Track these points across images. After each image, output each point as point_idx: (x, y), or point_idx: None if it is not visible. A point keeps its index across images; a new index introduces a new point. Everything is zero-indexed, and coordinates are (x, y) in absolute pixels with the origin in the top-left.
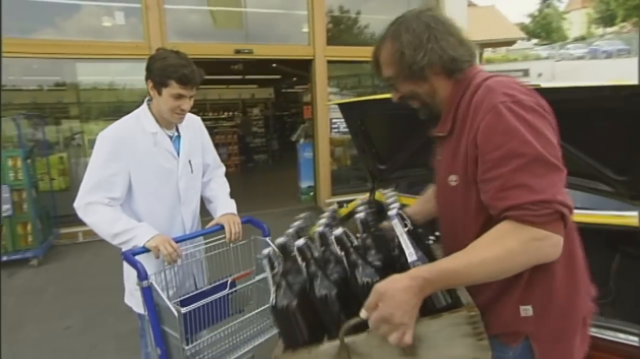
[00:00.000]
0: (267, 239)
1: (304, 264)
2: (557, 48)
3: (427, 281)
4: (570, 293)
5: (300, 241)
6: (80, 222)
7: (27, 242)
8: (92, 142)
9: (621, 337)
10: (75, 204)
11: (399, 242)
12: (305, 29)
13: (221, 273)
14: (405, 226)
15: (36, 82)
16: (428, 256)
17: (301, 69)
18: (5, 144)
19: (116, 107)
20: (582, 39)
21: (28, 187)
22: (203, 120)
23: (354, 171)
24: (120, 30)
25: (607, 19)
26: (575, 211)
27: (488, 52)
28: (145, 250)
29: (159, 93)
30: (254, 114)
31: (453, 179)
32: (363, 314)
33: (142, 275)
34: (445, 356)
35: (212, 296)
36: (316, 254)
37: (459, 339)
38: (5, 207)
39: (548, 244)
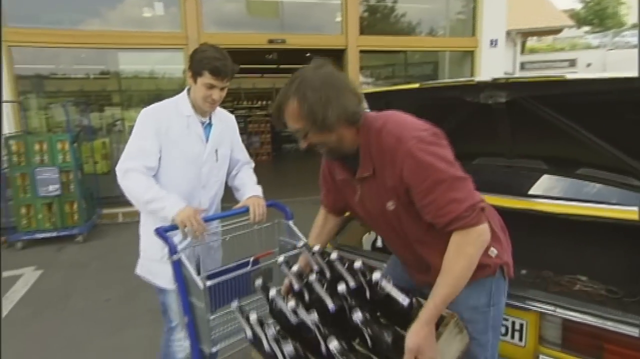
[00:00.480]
0: (290, 222)
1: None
2: (610, 36)
3: (434, 318)
4: (501, 233)
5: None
6: (121, 204)
7: (74, 220)
8: (131, 129)
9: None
10: (117, 168)
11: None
12: (339, 19)
13: (245, 252)
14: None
15: (83, 71)
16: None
17: (334, 58)
18: (55, 129)
19: (155, 95)
20: None
21: (75, 169)
22: (237, 109)
23: None
24: (159, 20)
25: None
26: (608, 206)
27: (532, 41)
28: (174, 227)
29: (195, 81)
30: None
31: (391, 205)
32: None
33: (172, 249)
34: (447, 354)
35: (236, 272)
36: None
37: (453, 339)
38: (54, 187)
39: (485, 233)
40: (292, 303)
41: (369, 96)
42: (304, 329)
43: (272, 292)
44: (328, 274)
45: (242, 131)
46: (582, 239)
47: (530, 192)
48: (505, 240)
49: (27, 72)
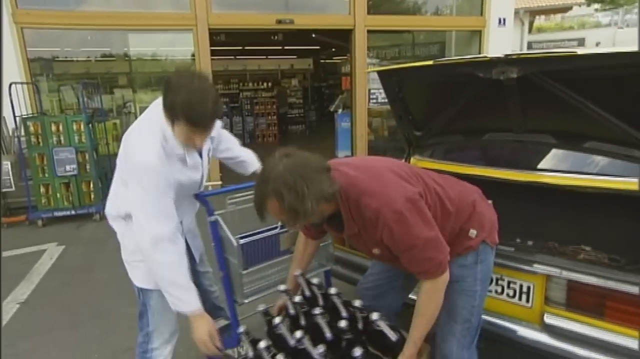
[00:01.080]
0: None
1: None
2: (621, 13)
3: (415, 351)
4: (482, 209)
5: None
6: None
7: (90, 199)
8: (142, 110)
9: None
10: (142, 233)
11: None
12: None
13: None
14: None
15: (92, 53)
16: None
17: (340, 39)
18: (67, 111)
19: (164, 75)
20: None
21: (90, 149)
22: (243, 90)
23: (391, 142)
24: (167, 1)
25: None
26: (612, 178)
27: (540, 20)
28: (213, 193)
29: (172, 124)
30: (292, 84)
31: (377, 250)
32: None
33: (210, 211)
34: None
35: (266, 233)
36: None
37: None
38: (71, 166)
39: (446, 277)
40: (299, 333)
41: (382, 74)
42: (303, 356)
43: (277, 320)
44: (320, 302)
45: (249, 113)
46: (586, 210)
47: (538, 166)
48: (488, 212)
49: (37, 54)
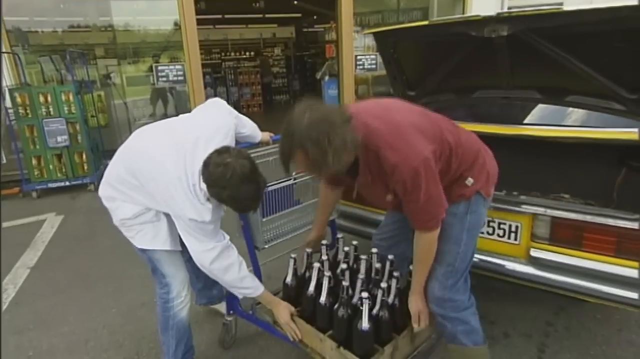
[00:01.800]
0: None
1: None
2: None
3: (421, 288)
4: (481, 160)
5: None
6: None
7: (84, 170)
8: (128, 80)
9: (612, 221)
10: (204, 250)
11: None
12: None
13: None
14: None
15: (70, 23)
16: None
17: (323, 5)
18: (49, 83)
19: (149, 45)
20: None
21: (81, 120)
22: (225, 60)
23: None
24: None
25: None
26: (585, 129)
27: None
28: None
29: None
30: (275, 54)
31: (390, 197)
32: (416, 326)
33: None
34: None
35: (281, 184)
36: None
37: None
38: (62, 137)
39: (437, 231)
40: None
41: (378, 35)
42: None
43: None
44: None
45: (233, 83)
46: (566, 161)
47: (524, 120)
48: (490, 163)
49: (11, 24)
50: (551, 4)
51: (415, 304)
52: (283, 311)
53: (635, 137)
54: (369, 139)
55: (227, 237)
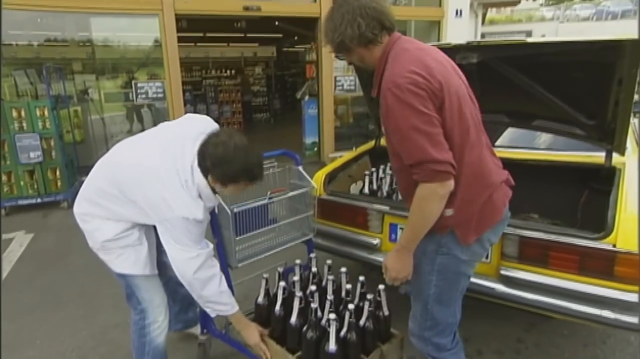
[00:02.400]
0: (300, 167)
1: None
2: (562, 9)
3: (403, 247)
4: (474, 194)
5: None
6: None
7: (57, 186)
8: (106, 96)
9: (575, 241)
10: (188, 258)
11: None
12: None
13: (263, 192)
14: None
15: (48, 37)
16: None
17: (303, 27)
18: (22, 97)
19: (128, 62)
20: None
21: (56, 135)
22: (206, 78)
23: (357, 128)
24: None
25: None
26: (553, 152)
27: (492, 13)
28: None
29: (224, 185)
30: (256, 72)
31: (384, 130)
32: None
33: None
34: None
35: (257, 203)
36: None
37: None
38: (35, 153)
39: (442, 189)
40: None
41: None
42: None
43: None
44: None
45: (213, 101)
46: (535, 183)
47: (494, 143)
48: (483, 211)
49: None
50: (521, 31)
51: (387, 258)
52: (252, 333)
53: (601, 160)
54: (392, 53)
55: (211, 246)
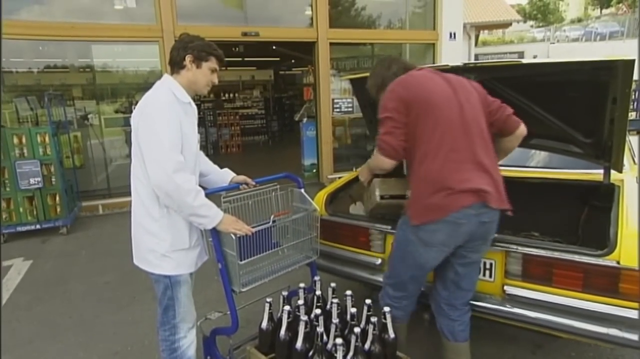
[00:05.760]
0: (302, 190)
1: None
2: (552, 30)
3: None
4: (422, 186)
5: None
6: (100, 197)
7: (57, 212)
8: (106, 122)
9: (579, 258)
10: (162, 161)
11: None
12: (308, 12)
13: (266, 215)
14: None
15: (50, 64)
16: None
17: (300, 50)
18: (23, 123)
19: (128, 87)
20: (578, 20)
21: (56, 161)
22: (204, 102)
23: (355, 149)
24: (133, 13)
25: (604, 0)
26: (551, 170)
27: (484, 34)
28: (210, 192)
29: (199, 66)
30: (254, 95)
31: None
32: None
33: None
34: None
35: (260, 227)
36: None
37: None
38: (35, 179)
39: (377, 159)
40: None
41: (355, 81)
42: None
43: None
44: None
45: (212, 124)
46: (535, 201)
47: None
48: (428, 202)
49: None
50: (513, 52)
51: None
52: (226, 220)
53: (599, 178)
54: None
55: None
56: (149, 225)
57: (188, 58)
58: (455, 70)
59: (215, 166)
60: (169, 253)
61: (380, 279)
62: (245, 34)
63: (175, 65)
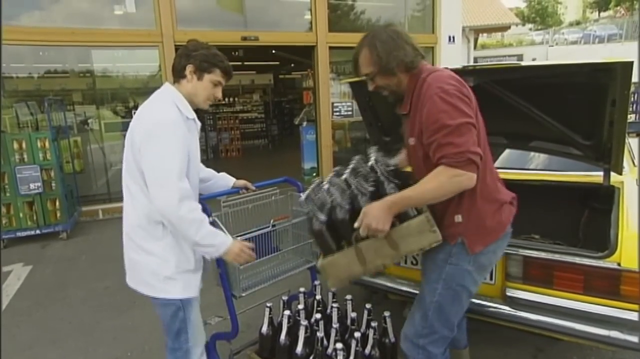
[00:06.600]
0: (301, 194)
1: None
2: (551, 33)
3: (393, 203)
4: (484, 204)
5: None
6: (100, 201)
7: (57, 217)
8: (106, 126)
9: (579, 260)
10: (169, 190)
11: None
12: (308, 16)
13: (266, 220)
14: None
15: (50, 69)
16: (403, 186)
17: (300, 54)
18: (23, 128)
19: (128, 91)
20: (576, 23)
21: (56, 166)
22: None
23: (355, 153)
24: (132, 18)
25: (602, 3)
26: (551, 172)
27: (483, 38)
28: (209, 197)
29: (200, 78)
30: (254, 99)
31: (412, 141)
32: (356, 225)
33: (208, 212)
34: (416, 243)
35: (259, 231)
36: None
37: (425, 231)
38: (35, 185)
39: (464, 179)
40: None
41: (355, 85)
42: None
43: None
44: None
45: (212, 128)
46: (535, 204)
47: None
48: (489, 221)
49: None
50: (512, 55)
51: (369, 206)
52: (233, 246)
53: (599, 180)
54: (428, 71)
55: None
56: (150, 245)
57: (189, 68)
58: (454, 73)
59: (213, 171)
60: (174, 275)
61: (379, 281)
62: (244, 39)
63: (176, 74)
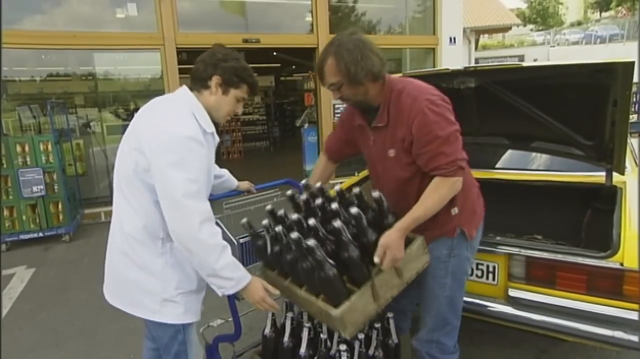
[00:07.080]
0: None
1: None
2: (552, 34)
3: (405, 229)
4: (471, 189)
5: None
6: (102, 204)
7: (59, 220)
8: (108, 129)
9: (582, 260)
10: (183, 224)
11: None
12: (309, 18)
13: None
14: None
15: (55, 72)
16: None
17: (301, 56)
18: (26, 131)
19: (130, 94)
20: (578, 24)
21: (59, 169)
22: None
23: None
24: (134, 21)
25: (603, 4)
26: (554, 173)
27: (484, 39)
28: (212, 199)
29: (225, 93)
30: (255, 102)
31: (392, 152)
32: (376, 260)
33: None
34: (415, 268)
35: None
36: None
37: (419, 255)
38: (38, 187)
39: (458, 184)
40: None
41: None
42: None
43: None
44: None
45: None
46: (537, 205)
47: (495, 165)
48: (479, 203)
49: None
50: (513, 56)
51: (387, 237)
52: (255, 286)
53: (601, 180)
54: (399, 82)
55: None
56: (149, 261)
57: (215, 80)
58: (456, 74)
59: (226, 170)
60: (174, 297)
61: None
62: (246, 41)
63: (198, 82)
